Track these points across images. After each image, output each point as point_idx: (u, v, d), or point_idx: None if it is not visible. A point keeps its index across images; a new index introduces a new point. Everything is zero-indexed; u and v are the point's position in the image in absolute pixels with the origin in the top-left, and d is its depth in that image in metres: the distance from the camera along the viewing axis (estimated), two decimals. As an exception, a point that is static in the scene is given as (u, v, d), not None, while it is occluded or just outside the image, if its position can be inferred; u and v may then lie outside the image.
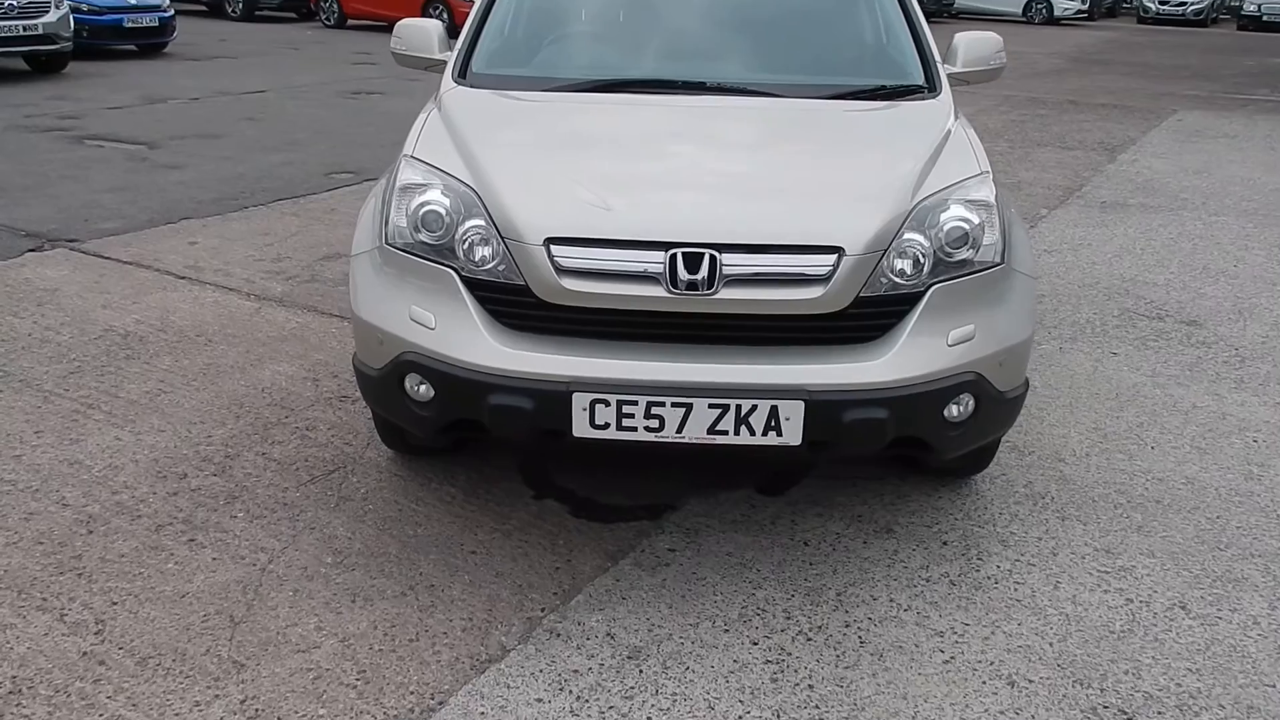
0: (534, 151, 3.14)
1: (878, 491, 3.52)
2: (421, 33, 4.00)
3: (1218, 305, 5.58)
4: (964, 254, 2.90)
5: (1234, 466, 3.77)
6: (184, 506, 3.28)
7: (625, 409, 2.71)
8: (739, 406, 2.70)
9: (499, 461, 3.58)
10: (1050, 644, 2.78)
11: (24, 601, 2.81)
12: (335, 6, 20.47)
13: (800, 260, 2.75)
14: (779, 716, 2.50)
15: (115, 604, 2.81)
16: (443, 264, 2.89)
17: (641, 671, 2.63)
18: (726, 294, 2.73)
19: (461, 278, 2.87)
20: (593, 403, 2.71)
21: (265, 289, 5.31)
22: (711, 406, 2.70)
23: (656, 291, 2.73)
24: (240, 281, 5.41)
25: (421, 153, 3.14)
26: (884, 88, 3.63)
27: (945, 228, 2.89)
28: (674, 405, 2.71)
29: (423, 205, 2.94)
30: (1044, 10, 30.32)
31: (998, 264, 2.96)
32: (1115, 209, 7.62)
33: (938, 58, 3.76)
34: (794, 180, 2.98)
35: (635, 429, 2.74)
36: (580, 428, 2.74)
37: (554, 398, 2.73)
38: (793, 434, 2.73)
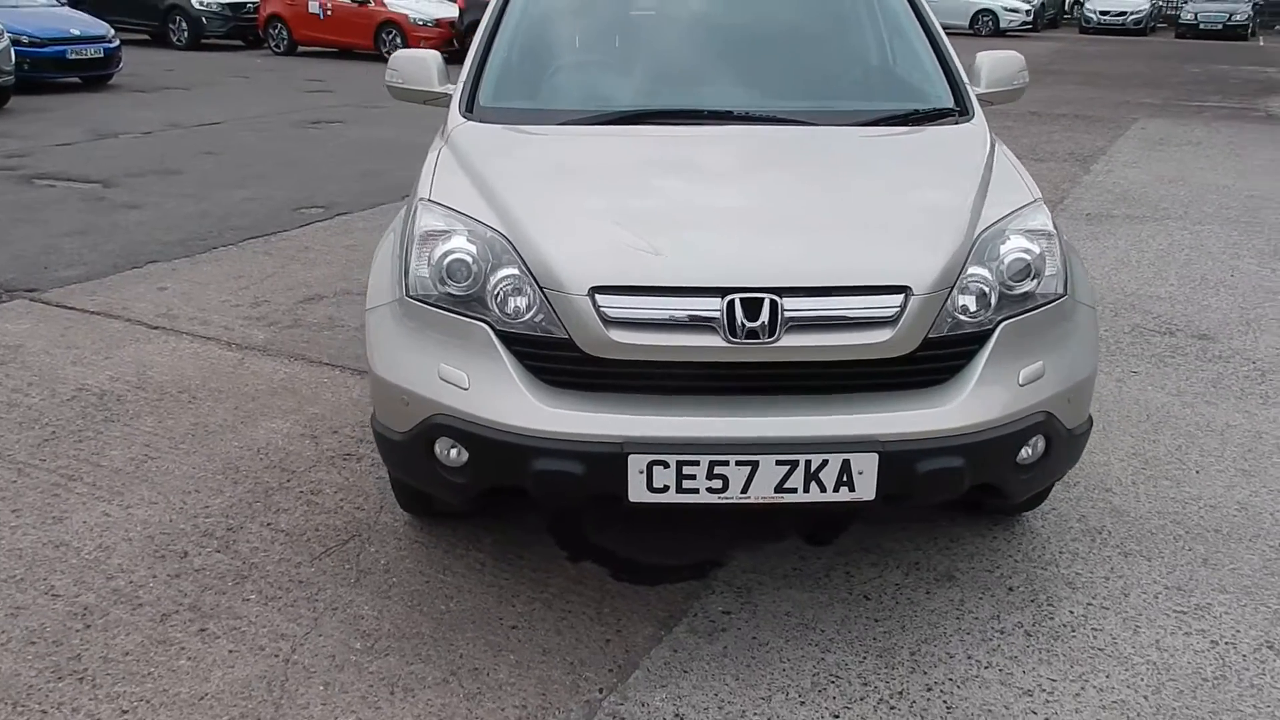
0: (566, 192, 2.92)
1: (929, 534, 3.33)
2: (420, 65, 3.77)
3: (1224, 317, 5.49)
4: (1026, 286, 2.73)
5: (1259, 489, 3.64)
6: (189, 590, 3.01)
7: (686, 470, 2.50)
8: (809, 462, 2.50)
9: (527, 522, 3.35)
10: (1145, 697, 2.60)
11: (20, 716, 2.52)
12: (285, 33, 20.07)
13: (866, 301, 2.56)
14: (877, 802, 2.28)
15: (125, 713, 2.54)
16: (474, 318, 2.67)
17: (718, 757, 2.41)
18: (788, 341, 2.53)
19: (496, 332, 2.64)
20: (650, 464, 2.50)
21: (247, 337, 5.02)
22: (780, 464, 2.50)
23: (713, 341, 2.52)
24: (219, 330, 5.12)
25: (439, 196, 2.92)
26: (916, 112, 3.46)
27: (1006, 260, 2.72)
28: (739, 464, 2.50)
29: (448, 254, 2.72)
30: (990, 22, 30.66)
31: (1061, 295, 2.80)
32: (1101, 220, 7.55)
33: (966, 79, 3.60)
34: (849, 215, 2.80)
35: (697, 490, 2.53)
36: (637, 492, 2.53)
37: (607, 460, 2.52)
38: (866, 488, 2.54)
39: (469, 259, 2.70)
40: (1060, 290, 2.79)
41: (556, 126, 3.33)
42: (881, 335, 2.56)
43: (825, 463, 2.50)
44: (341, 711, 2.55)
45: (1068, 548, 3.27)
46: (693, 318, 2.53)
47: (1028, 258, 2.73)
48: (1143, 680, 2.67)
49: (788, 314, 2.52)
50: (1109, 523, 3.42)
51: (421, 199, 2.92)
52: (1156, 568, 3.17)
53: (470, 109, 3.47)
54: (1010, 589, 3.06)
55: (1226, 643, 2.82)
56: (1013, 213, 2.85)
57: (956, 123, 3.43)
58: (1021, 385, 2.68)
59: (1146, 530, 3.37)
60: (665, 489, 2.53)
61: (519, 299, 2.64)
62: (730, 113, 3.36)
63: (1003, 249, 2.74)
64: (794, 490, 2.53)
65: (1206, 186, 8.77)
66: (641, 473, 2.50)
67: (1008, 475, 2.70)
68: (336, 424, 4.07)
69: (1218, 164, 9.84)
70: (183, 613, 2.91)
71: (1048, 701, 2.59)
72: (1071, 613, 2.94)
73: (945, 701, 2.59)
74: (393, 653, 2.76)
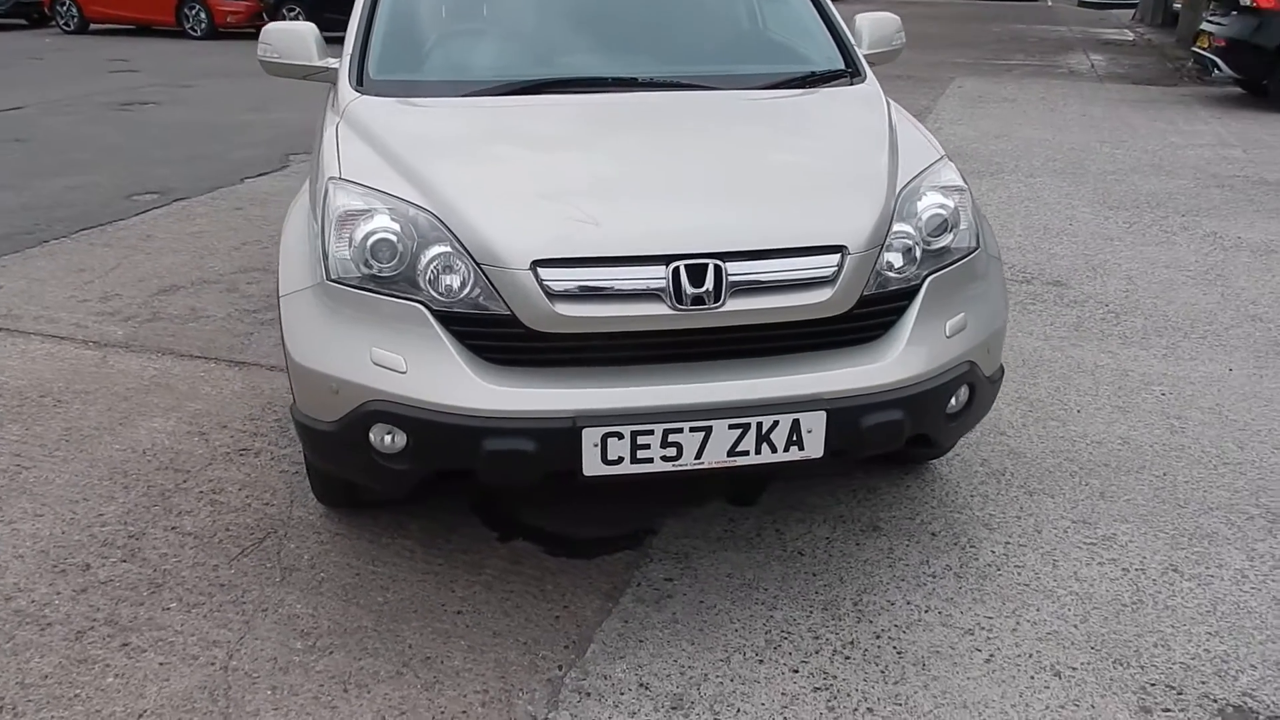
0: (489, 165, 2.85)
1: (848, 488, 3.42)
2: (296, 38, 3.60)
3: (1072, 264, 5.82)
4: (944, 241, 2.82)
5: (1156, 422, 3.90)
6: (100, 605, 2.82)
7: (640, 440, 2.49)
8: (760, 424, 2.52)
9: (449, 506, 3.27)
10: (1075, 627, 2.75)
11: (-59, 752, 2.32)
12: (74, 10, 18.79)
13: (806, 262, 2.60)
14: (852, 749, 2.35)
15: (60, 737, 2.36)
16: (407, 298, 2.57)
17: (693, 722, 2.42)
18: (733, 305, 2.54)
19: (432, 312, 2.55)
20: (605, 437, 2.47)
21: (104, 334, 4.71)
22: (732, 427, 2.52)
23: (659, 310, 2.51)
24: (70, 328, 4.78)
25: (351, 174, 2.79)
26: (812, 74, 3.51)
27: (924, 216, 2.80)
28: (692, 430, 2.50)
29: (371, 234, 2.61)
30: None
31: (975, 248, 2.90)
32: (943, 177, 7.86)
33: (853, 41, 3.68)
34: (779, 178, 2.82)
35: (651, 460, 2.52)
36: (591, 465, 2.50)
37: (559, 436, 2.48)
38: (814, 446, 2.58)
39: (393, 238, 2.60)
40: (974, 244, 2.90)
41: (456, 99, 3.23)
42: (822, 295, 2.59)
43: (776, 424, 2.53)
44: (295, 713, 2.44)
45: (978, 490, 3.42)
46: (637, 287, 2.50)
47: (944, 213, 2.82)
48: (1070, 611, 2.82)
49: (731, 278, 2.53)
50: (1009, 464, 3.58)
51: (332, 178, 2.79)
52: (1060, 504, 3.34)
53: (360, 82, 3.32)
54: (933, 534, 3.17)
55: (1136, 569, 3.01)
56: (925, 169, 2.93)
57: (850, 84, 3.50)
58: (948, 337, 2.78)
59: (1044, 469, 3.55)
60: (620, 460, 2.50)
61: (453, 277, 2.55)
62: (634, 79, 3.33)
63: (920, 205, 2.81)
64: (746, 453, 2.55)
65: (1030, 141, 9.25)
66: (596, 445, 2.48)
67: (940, 424, 2.79)
68: (223, 419, 3.87)
69: (1035, 119, 10.39)
70: (98, 628, 2.72)
71: (989, 639, 2.71)
72: (993, 552, 3.08)
73: (895, 647, 2.68)
74: (337, 649, 2.65)
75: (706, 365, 2.59)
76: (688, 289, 2.50)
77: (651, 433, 2.48)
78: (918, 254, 2.75)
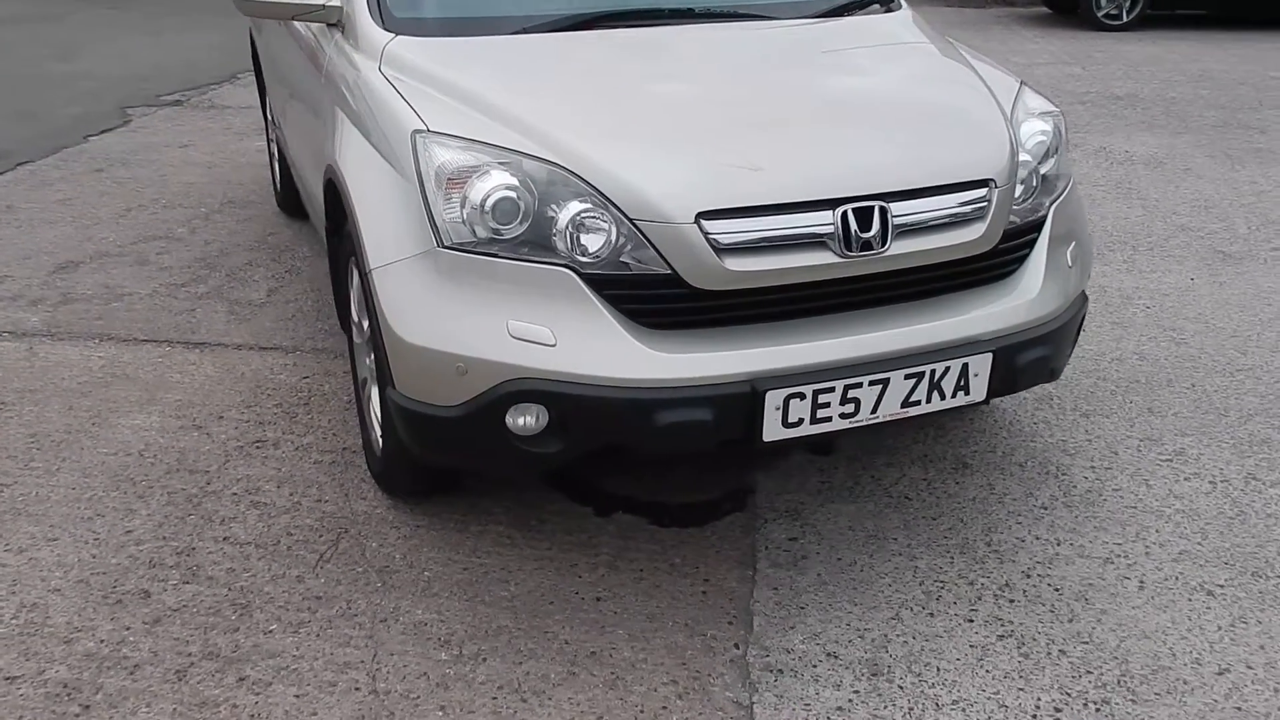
0: (603, 109, 2.58)
1: (912, 425, 3.37)
2: (290, -30, 3.15)
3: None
4: (1048, 167, 2.77)
5: (1158, 335, 4.04)
6: (186, 636, 2.45)
7: (821, 398, 2.34)
8: (933, 371, 2.42)
9: (520, 482, 3.01)
10: (1199, 544, 2.81)
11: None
12: None
13: (960, 198, 2.50)
14: (1066, 694, 2.31)
15: (228, 798, 2.03)
16: (551, 263, 2.31)
17: (901, 687, 2.33)
18: (897, 248, 2.41)
19: (582, 276, 2.30)
20: (787, 399, 2.31)
21: (16, 322, 4.10)
22: (908, 377, 2.40)
23: (826, 258, 2.35)
24: (-31, 317, 4.14)
25: (442, 125, 2.47)
26: (852, 1, 3.37)
27: (1030, 144, 2.75)
28: (871, 384, 2.37)
29: (489, 193, 2.32)
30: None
31: (1069, 173, 2.87)
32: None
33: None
34: (913, 113, 2.68)
35: (830, 419, 2.38)
36: (771, 430, 2.34)
37: (739, 401, 2.30)
38: (979, 389, 2.51)
39: (513, 195, 2.32)
40: (1068, 168, 2.86)
41: (511, 36, 2.91)
42: (975, 231, 2.50)
43: (948, 369, 2.44)
44: (484, 736, 2.19)
45: (1036, 417, 3.44)
46: (805, 235, 2.34)
47: (1045, 138, 2.77)
48: (1186, 529, 2.88)
49: (895, 220, 2.39)
50: (1051, 389, 3.62)
51: (419, 132, 2.46)
52: (1119, 423, 3.41)
53: (384, 21, 2.95)
54: (1021, 465, 3.17)
55: (1222, 481, 3.10)
56: (1016, 95, 2.87)
57: (888, 10, 3.39)
58: (1070, 267, 2.74)
59: (1084, 390, 3.61)
60: (799, 422, 2.36)
61: (596, 235, 2.31)
62: (691, 10, 3.10)
63: (1023, 132, 2.75)
64: (918, 403, 2.45)
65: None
66: (778, 409, 2.31)
67: (1068, 356, 2.76)
68: (214, 409, 3.44)
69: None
70: (200, 663, 2.36)
71: (1130, 565, 2.73)
72: (1086, 479, 3.10)
73: (1049, 584, 2.66)
74: (489, 655, 2.40)
75: (872, 313, 2.46)
76: (855, 233, 2.34)
77: (833, 390, 2.34)
78: (1035, 182, 2.69)
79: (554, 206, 2.31)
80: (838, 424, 2.39)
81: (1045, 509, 2.95)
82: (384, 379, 2.53)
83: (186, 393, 3.55)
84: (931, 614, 2.55)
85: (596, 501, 2.96)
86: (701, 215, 2.27)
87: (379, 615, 2.51)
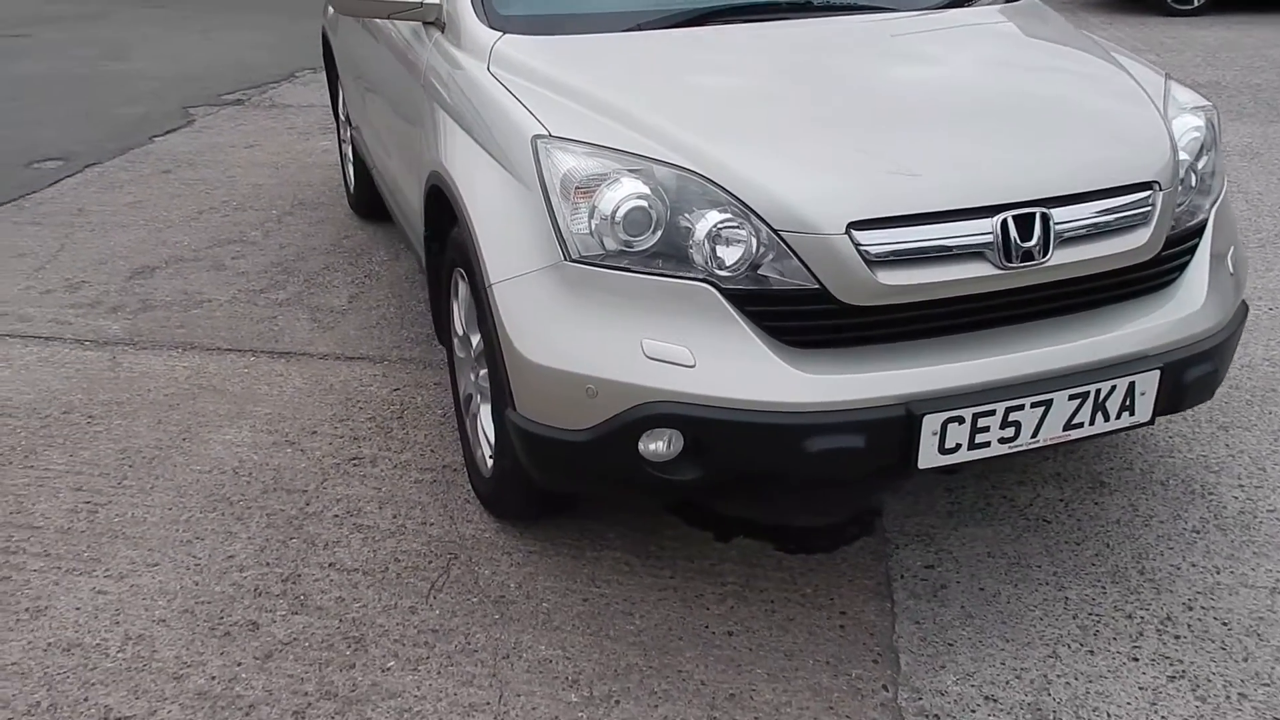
0: (736, 110, 2.41)
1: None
2: (389, -33, 3.00)
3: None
4: (1203, 165, 2.57)
5: (1272, 343, 3.81)
6: (301, 673, 2.32)
7: (981, 422, 2.16)
8: (1098, 391, 2.23)
9: (630, 505, 2.86)
10: (1369, 573, 2.60)
11: None
12: None
13: (1123, 202, 2.31)
14: (1253, 743, 2.12)
15: None
16: (689, 277, 2.14)
17: (1070, 734, 2.15)
18: (1058, 257, 2.23)
19: (722, 291, 2.14)
20: (945, 423, 2.13)
21: (98, 330, 4.01)
22: (1072, 398, 2.22)
23: (983, 269, 2.18)
24: (50, 325, 4.05)
25: (564, 129, 2.32)
26: (972, -13, 3.17)
27: (1185, 140, 2.54)
28: (1033, 405, 2.19)
29: (621, 202, 2.16)
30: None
31: (1223, 172, 2.67)
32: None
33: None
34: (1066, 110, 2.49)
35: (989, 444, 2.21)
36: (927, 457, 2.17)
37: (893, 426, 2.13)
38: (1144, 410, 2.32)
39: (645, 204, 2.16)
40: (1222, 167, 2.66)
41: (624, 34, 2.75)
42: (1139, 238, 2.32)
43: (1114, 388, 2.25)
44: (627, 788, 2.04)
45: (1171, 430, 3.24)
46: (963, 245, 2.16)
47: (1199, 135, 2.58)
48: (1350, 553, 2.67)
49: (1058, 227, 2.21)
50: (1181, 399, 3.41)
51: (540, 137, 2.30)
52: (1260, 436, 3.20)
53: (489, 19, 2.79)
54: (1163, 484, 2.98)
55: (1382, 500, 2.88)
56: (1166, 89, 2.67)
57: (1013, 1, 3.19)
58: (1231, 274, 2.55)
59: (1219, 400, 3.40)
60: (956, 448, 2.18)
61: (735, 247, 2.14)
62: (807, 3, 2.93)
63: (1177, 129, 2.55)
64: (1081, 425, 2.27)
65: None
66: (935, 433, 2.14)
67: (1227, 370, 2.57)
68: (306, 423, 3.32)
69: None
70: (318, 704, 2.23)
71: (1298, 595, 2.53)
72: (1236, 498, 2.90)
73: (1216, 617, 2.47)
74: (621, 697, 2.25)
75: (1030, 328, 2.28)
76: (1016, 242, 2.16)
77: (993, 413, 2.16)
78: (1192, 183, 2.50)
79: (688, 216, 2.16)
80: (996, 449, 2.21)
81: (1197, 533, 2.76)
82: (502, 399, 2.39)
83: (276, 406, 3.43)
84: (1091, 651, 2.37)
85: (716, 526, 2.79)
86: (853, 225, 2.10)
87: (500, 651, 2.37)
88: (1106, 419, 2.28)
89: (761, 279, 2.14)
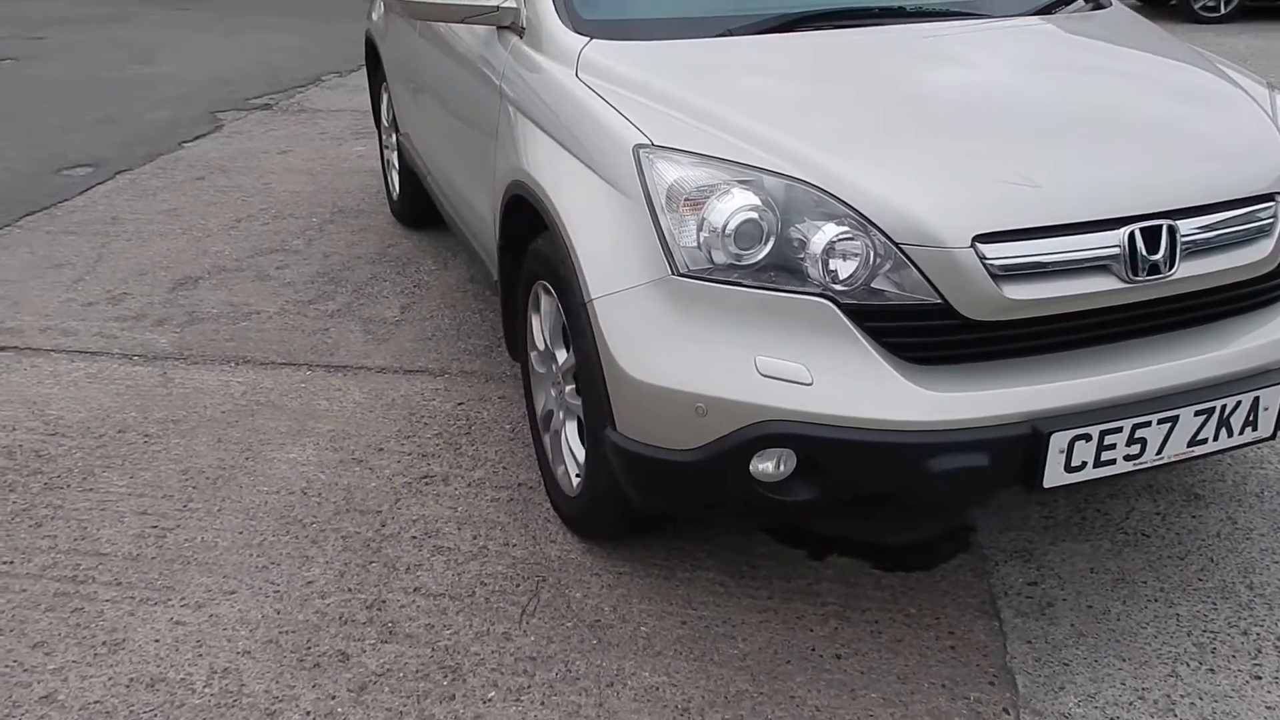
0: (846, 119, 2.34)
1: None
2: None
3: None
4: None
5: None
6: (401, 707, 2.24)
7: (1108, 439, 2.09)
8: (1224, 406, 2.16)
9: (718, 524, 2.79)
10: None
11: None
12: None
13: (1246, 214, 2.24)
14: (1395, 769, 2.05)
15: None
16: (806, 293, 2.07)
17: (1204, 761, 2.08)
18: (1183, 270, 2.15)
19: (840, 306, 2.06)
20: (1072, 441, 2.06)
21: (145, 344, 3.93)
22: (1198, 414, 2.14)
23: (1109, 283, 2.11)
24: (96, 340, 3.97)
25: (665, 139, 2.24)
26: (1062, -6, 3.10)
27: (1290, 146, 2.46)
28: (1160, 422, 2.12)
29: (732, 216, 2.08)
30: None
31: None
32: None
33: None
34: (1181, 121, 2.42)
35: (1115, 461, 2.13)
36: (1053, 475, 2.09)
37: (1018, 444, 2.06)
38: (1267, 425, 2.26)
39: (756, 216, 2.09)
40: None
41: (716, 39, 2.68)
42: (1261, 250, 2.25)
43: (1239, 403, 2.18)
44: (753, 824, 1.96)
45: (1259, 439, 3.16)
46: (1088, 258, 2.09)
47: (1304, 143, 2.49)
48: None
49: (1183, 239, 2.14)
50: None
51: (643, 146, 2.23)
52: (1351, 444, 3.12)
53: (573, 24, 2.72)
54: (1258, 496, 2.91)
55: None
56: (1273, 99, 2.60)
57: (1099, 7, 3.12)
58: (1347, 284, 2.47)
59: (1300, 407, 3.32)
60: (1082, 466, 2.11)
61: (851, 261, 2.07)
62: (902, 9, 2.85)
63: None
64: (1205, 441, 2.20)
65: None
66: (1062, 452, 2.07)
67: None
68: (371, 440, 3.24)
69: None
70: (422, 739, 2.15)
71: None
72: (1336, 507, 2.83)
73: (1335, 634, 2.39)
74: (736, 726, 2.17)
75: (1152, 342, 2.20)
76: (1143, 255, 2.09)
77: (1120, 430, 2.09)
78: (1304, 189, 2.42)
79: (800, 228, 2.08)
80: (1121, 466, 2.14)
81: (1302, 545, 2.69)
82: (599, 417, 2.31)
83: (338, 422, 3.35)
84: (1212, 670, 2.30)
85: (809, 544, 2.72)
86: (978, 238, 2.03)
87: (603, 679, 2.30)
88: (1230, 435, 2.21)
89: (878, 293, 2.07)
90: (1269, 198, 2.25)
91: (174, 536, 2.81)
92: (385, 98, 4.88)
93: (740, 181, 2.12)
